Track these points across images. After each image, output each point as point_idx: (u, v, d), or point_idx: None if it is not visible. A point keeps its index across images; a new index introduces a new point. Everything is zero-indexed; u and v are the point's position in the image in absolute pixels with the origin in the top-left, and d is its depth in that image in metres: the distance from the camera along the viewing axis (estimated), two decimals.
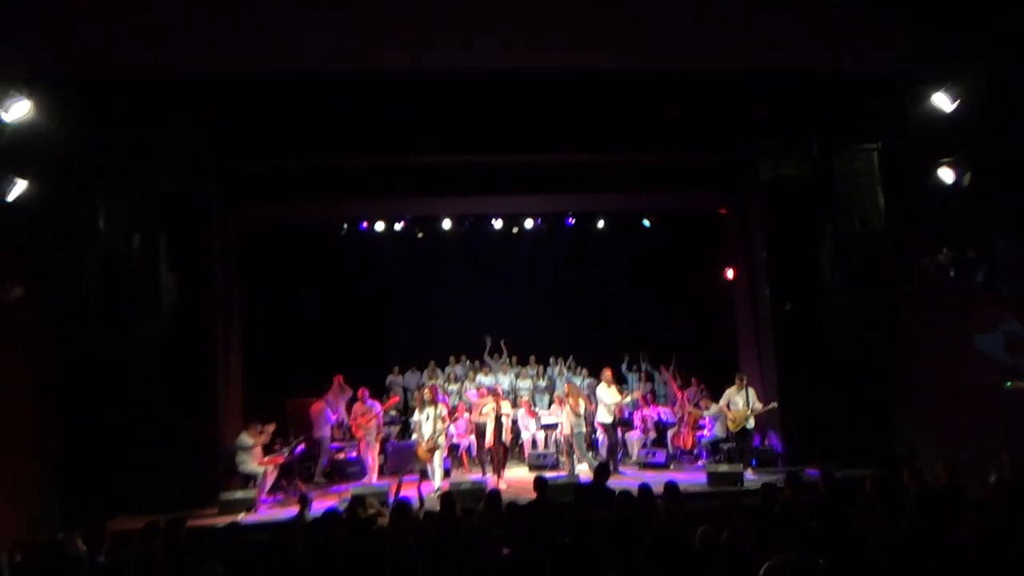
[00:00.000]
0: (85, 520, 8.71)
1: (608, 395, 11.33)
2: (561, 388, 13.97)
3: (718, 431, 11.50)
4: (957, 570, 4.20)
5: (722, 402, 11.04)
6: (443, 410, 10.61)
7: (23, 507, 8.57)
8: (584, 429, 11.16)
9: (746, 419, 10.74)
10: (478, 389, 13.69)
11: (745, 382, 10.92)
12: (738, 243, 12.51)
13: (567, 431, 11.12)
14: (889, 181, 9.57)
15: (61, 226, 9.18)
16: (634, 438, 12.32)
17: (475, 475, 11.65)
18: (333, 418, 12.12)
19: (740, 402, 10.80)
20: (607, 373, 11.57)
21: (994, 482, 6.56)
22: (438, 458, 10.33)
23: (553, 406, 12.49)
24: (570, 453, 11.15)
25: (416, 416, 10.53)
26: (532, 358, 14.82)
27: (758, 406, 10.78)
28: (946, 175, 8.80)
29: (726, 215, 12.93)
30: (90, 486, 9.43)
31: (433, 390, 11.33)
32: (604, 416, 11.31)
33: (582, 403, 11.07)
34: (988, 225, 8.90)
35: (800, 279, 11.07)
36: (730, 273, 12.80)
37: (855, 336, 10.98)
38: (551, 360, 14.78)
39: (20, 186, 7.89)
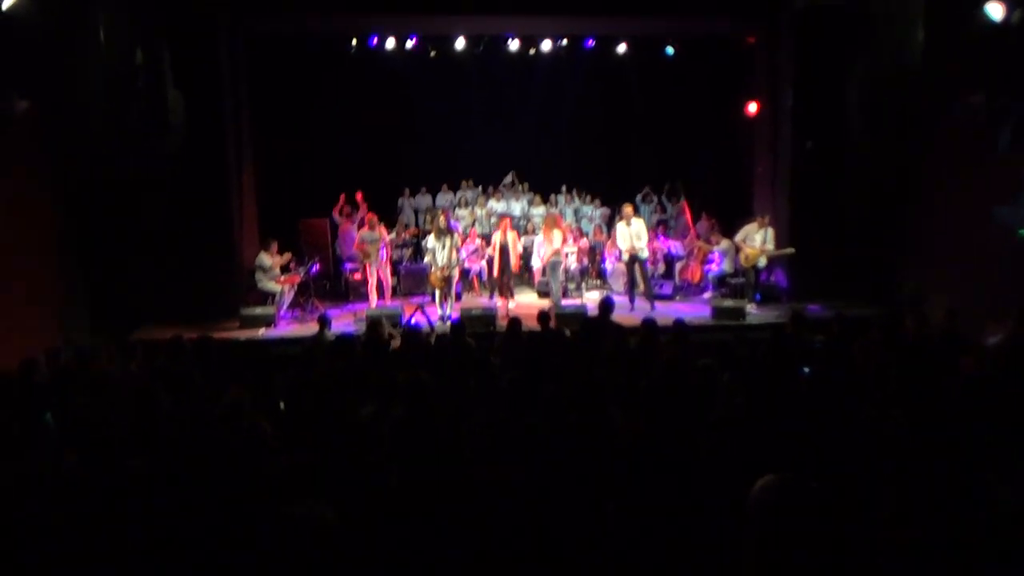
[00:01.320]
0: (112, 330, 9.17)
1: (623, 236, 11.01)
2: (570, 217, 14.03)
3: (726, 266, 11.63)
4: (945, 415, 4.36)
5: (738, 237, 11.00)
6: (457, 240, 10.68)
7: (54, 317, 8.90)
8: (561, 260, 11.11)
9: (759, 258, 10.80)
10: (489, 215, 13.78)
11: (767, 221, 10.83)
12: (764, 76, 11.96)
13: (545, 260, 11.10)
14: (932, 15, 8.98)
15: (61, 40, 8.75)
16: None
17: (485, 300, 12.01)
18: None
19: (758, 240, 10.76)
20: (628, 209, 11.21)
21: (997, 339, 6.65)
22: (450, 286, 10.54)
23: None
24: (553, 279, 11.22)
25: (430, 243, 10.56)
26: (543, 188, 14.73)
27: (771, 247, 10.77)
28: (995, 10, 8.24)
29: (754, 45, 12.27)
30: (115, 298, 9.74)
31: (447, 217, 11.37)
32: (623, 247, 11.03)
33: (557, 235, 10.91)
34: None
35: (825, 117, 10.70)
36: (753, 108, 12.35)
37: (872, 178, 10.77)
38: (563, 188, 14.70)
39: None
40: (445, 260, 10.27)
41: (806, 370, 6.04)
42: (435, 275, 10.40)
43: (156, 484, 3.29)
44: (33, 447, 4.44)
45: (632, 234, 10.83)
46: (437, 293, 10.54)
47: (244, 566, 2.72)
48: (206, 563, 2.87)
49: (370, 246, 10.88)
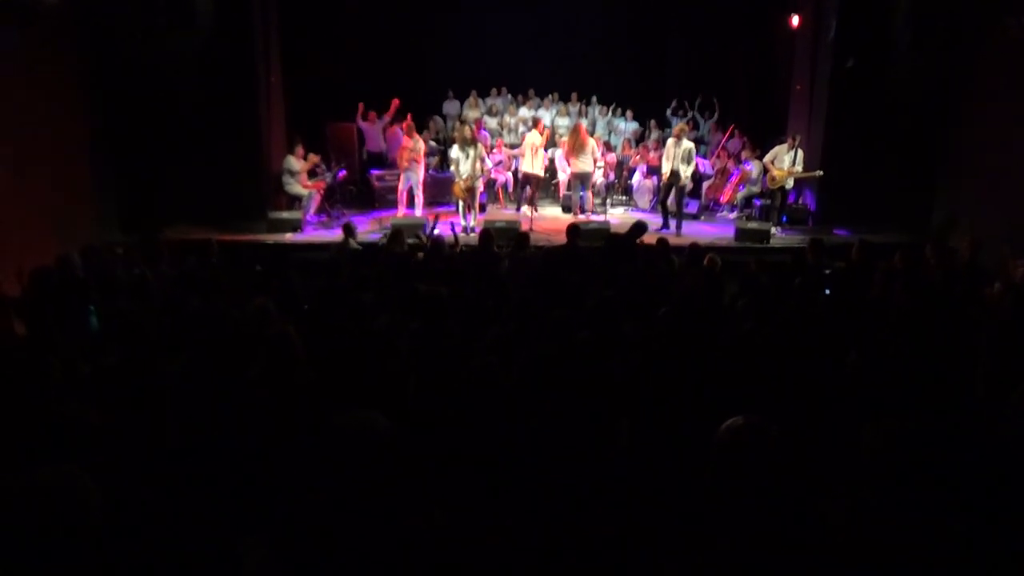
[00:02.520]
0: (142, 229, 9.39)
1: (669, 154, 10.53)
2: (601, 129, 13.82)
3: (755, 187, 11.48)
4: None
5: (767, 157, 10.77)
6: (482, 151, 10.58)
7: (86, 214, 9.12)
8: (590, 170, 10.89)
9: (786, 179, 10.62)
10: (519, 124, 13.62)
11: (797, 142, 10.57)
12: None
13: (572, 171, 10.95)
14: None
15: None
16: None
17: (510, 210, 12.03)
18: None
19: (787, 161, 10.53)
20: (681, 127, 10.78)
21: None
22: (474, 197, 10.53)
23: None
24: (605, 196, 11.18)
25: (455, 153, 10.45)
26: (574, 95, 14.45)
27: (799, 169, 10.55)
28: None
29: None
30: (145, 197, 9.92)
31: (476, 128, 11.20)
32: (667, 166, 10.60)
33: (586, 148, 10.65)
34: None
35: (869, 34, 10.27)
36: (795, 20, 11.87)
37: (913, 102, 10.41)
38: (593, 99, 14.41)
39: None
40: (469, 171, 10.21)
41: (827, 292, 6.12)
42: (459, 186, 10.36)
43: (194, 389, 3.46)
44: (76, 342, 4.69)
45: (678, 154, 10.37)
46: (460, 204, 10.54)
47: (280, 475, 2.83)
48: (251, 471, 2.99)
49: (412, 154, 10.69)
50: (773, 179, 10.66)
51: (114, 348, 4.15)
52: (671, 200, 10.69)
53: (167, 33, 9.58)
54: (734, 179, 11.91)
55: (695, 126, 14.04)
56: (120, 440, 2.75)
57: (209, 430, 3.34)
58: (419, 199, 10.91)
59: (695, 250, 7.04)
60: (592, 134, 12.51)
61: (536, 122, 11.24)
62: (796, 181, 10.86)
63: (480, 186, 10.66)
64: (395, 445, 2.08)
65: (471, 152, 10.20)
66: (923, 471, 2.33)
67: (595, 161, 11.06)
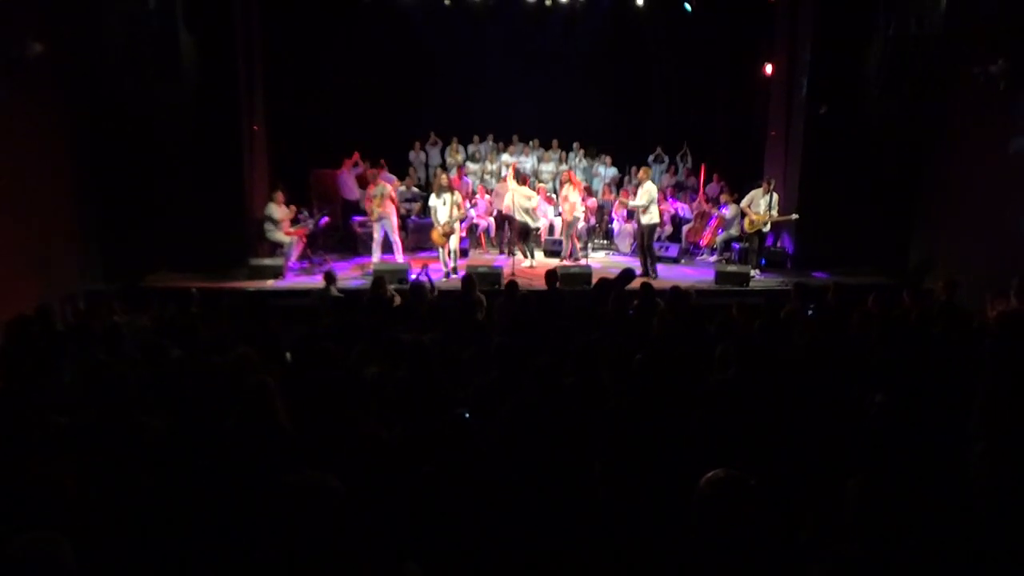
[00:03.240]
0: (125, 276, 9.36)
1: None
2: (581, 175, 14.02)
3: (732, 230, 11.65)
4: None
5: (744, 202, 10.97)
6: (459, 196, 10.70)
7: (69, 261, 9.08)
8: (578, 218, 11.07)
9: (764, 224, 10.80)
10: (500, 169, 13.80)
11: (772, 186, 10.78)
12: (783, 37, 11.79)
13: (565, 218, 11.18)
14: None
15: None
16: None
17: (491, 256, 12.11)
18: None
19: (763, 205, 10.73)
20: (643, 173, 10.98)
21: (996, 311, 6.69)
22: (454, 242, 10.60)
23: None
24: (567, 237, 11.27)
25: (432, 200, 10.56)
26: (555, 142, 14.69)
27: (775, 212, 10.74)
28: None
29: (774, 4, 12.08)
30: (128, 244, 9.89)
31: (455, 177, 11.38)
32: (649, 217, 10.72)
33: (574, 193, 10.88)
34: None
35: (841, 82, 10.57)
36: (769, 69, 12.21)
37: (886, 145, 10.68)
38: (574, 146, 14.64)
39: None
40: (446, 217, 10.32)
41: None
42: (436, 232, 10.47)
43: (170, 444, 3.42)
44: (50, 394, 4.62)
45: (640, 196, 10.66)
46: (440, 250, 10.63)
47: (250, 532, 2.81)
48: (213, 528, 2.97)
49: (378, 200, 10.76)
50: (751, 223, 10.83)
51: (89, 400, 4.10)
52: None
53: (153, 84, 9.68)
54: (713, 223, 12.08)
55: (675, 172, 14.29)
56: (96, 503, 2.72)
57: (186, 484, 3.31)
58: (396, 245, 10.97)
59: (676, 293, 7.09)
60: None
61: (510, 166, 11.48)
62: (773, 224, 11.02)
63: (458, 230, 10.74)
64: (345, 507, 2.12)
65: (447, 198, 10.30)
66: (906, 526, 2.41)
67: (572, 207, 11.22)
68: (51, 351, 5.04)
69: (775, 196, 10.75)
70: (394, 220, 10.87)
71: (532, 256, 11.49)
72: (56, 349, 5.11)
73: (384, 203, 10.64)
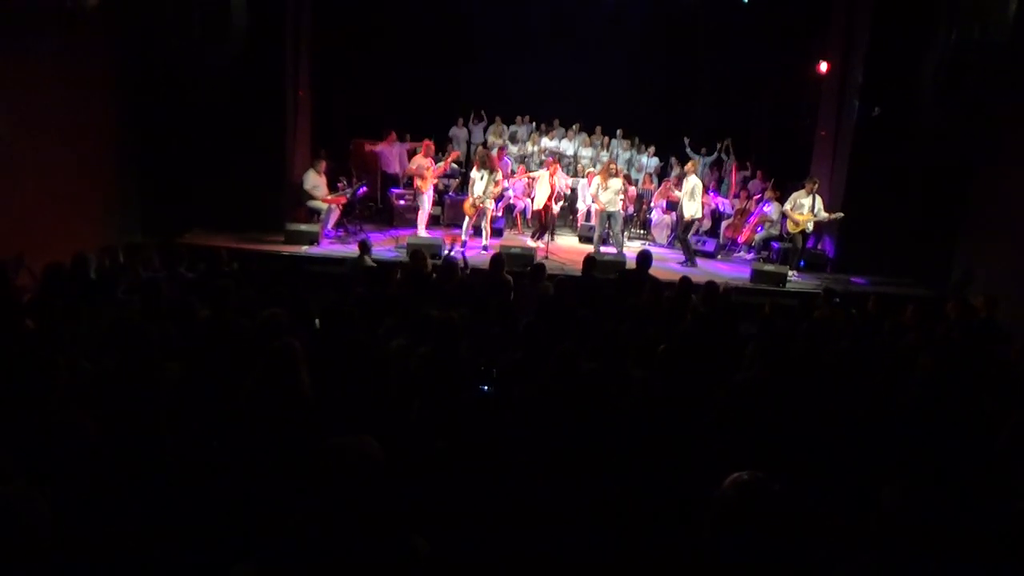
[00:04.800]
0: (163, 232, 9.48)
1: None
2: (622, 163, 13.86)
3: (773, 230, 11.45)
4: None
5: (787, 204, 10.73)
6: (499, 175, 10.67)
7: (108, 213, 9.22)
8: (618, 209, 10.89)
9: (807, 223, 10.56)
10: (541, 152, 13.71)
11: (816, 187, 10.52)
12: (838, 35, 11.44)
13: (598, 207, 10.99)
14: None
15: None
16: None
17: (526, 237, 12.05)
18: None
19: (806, 206, 10.47)
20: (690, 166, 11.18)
21: None
22: (484, 220, 10.63)
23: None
24: (624, 230, 11.19)
25: (473, 173, 10.64)
26: (598, 128, 14.53)
27: (824, 214, 10.48)
28: None
29: (832, 1, 11.74)
30: (168, 200, 10.00)
31: (495, 156, 11.36)
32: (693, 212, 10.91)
33: (615, 182, 10.66)
34: None
35: (897, 85, 10.25)
36: (823, 66, 11.89)
37: (937, 154, 10.33)
38: (618, 132, 14.46)
39: None
40: (481, 191, 10.35)
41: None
42: (468, 203, 10.55)
43: (188, 396, 3.43)
44: (82, 341, 4.69)
45: (684, 190, 10.87)
46: (466, 220, 10.66)
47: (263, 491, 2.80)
48: (223, 485, 2.97)
49: (425, 172, 10.82)
50: (795, 223, 10.59)
51: (114, 350, 4.12)
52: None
53: (202, 43, 9.73)
54: (752, 220, 11.87)
55: (717, 167, 14.05)
56: (116, 453, 2.73)
57: (203, 440, 3.31)
58: (423, 218, 11.06)
59: (711, 288, 6.99)
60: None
61: (552, 162, 11.63)
62: (817, 225, 10.79)
63: (491, 207, 10.73)
64: (386, 471, 2.06)
65: (486, 174, 10.37)
66: (940, 534, 2.33)
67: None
68: (83, 298, 5.09)
69: (819, 197, 10.50)
70: (429, 193, 10.97)
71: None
72: (89, 297, 5.17)
73: (429, 172, 10.79)
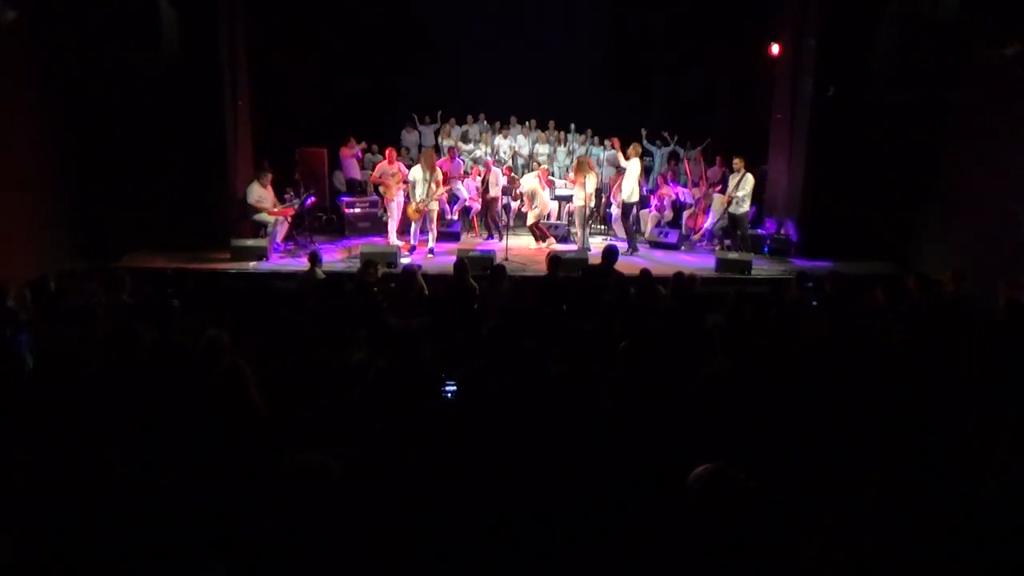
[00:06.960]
0: (98, 256, 8.98)
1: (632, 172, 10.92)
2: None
3: (716, 216, 11.46)
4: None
5: (729, 192, 10.89)
6: (440, 175, 10.45)
7: (38, 240, 8.70)
8: (591, 205, 10.93)
9: (728, 204, 10.79)
10: (494, 152, 13.48)
11: (742, 166, 10.72)
12: (790, 17, 11.38)
13: (578, 204, 10.91)
14: None
15: None
16: (648, 215, 12.22)
17: (483, 239, 11.80)
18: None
19: (731, 186, 10.79)
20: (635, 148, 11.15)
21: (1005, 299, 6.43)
22: (431, 222, 10.40)
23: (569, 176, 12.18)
24: (582, 226, 11.02)
25: (413, 173, 10.32)
26: (551, 123, 14.33)
27: (738, 193, 10.74)
28: None
29: None
30: (103, 223, 9.52)
31: (447, 158, 11.15)
32: (628, 195, 10.98)
33: (592, 180, 10.70)
34: None
35: (850, 65, 10.20)
36: (775, 49, 11.83)
37: (894, 131, 10.33)
38: (572, 127, 14.27)
39: None
40: (422, 194, 10.10)
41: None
42: (411, 207, 10.30)
43: (134, 427, 3.15)
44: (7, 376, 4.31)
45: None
46: (413, 225, 10.43)
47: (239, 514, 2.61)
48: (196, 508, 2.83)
49: (390, 179, 10.57)
50: (723, 205, 10.86)
51: (48, 383, 3.81)
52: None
53: (133, 54, 9.26)
54: (702, 206, 11.88)
55: (675, 157, 13.94)
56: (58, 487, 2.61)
57: (155, 466, 3.12)
58: (392, 227, 10.81)
59: (680, 279, 6.80)
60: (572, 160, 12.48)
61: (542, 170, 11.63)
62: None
63: (435, 208, 10.48)
64: (345, 489, 2.04)
65: (428, 175, 10.14)
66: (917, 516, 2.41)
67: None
68: (6, 331, 4.67)
69: (747, 176, 10.66)
70: (400, 201, 10.72)
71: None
72: (12, 329, 4.74)
73: (395, 180, 10.57)
